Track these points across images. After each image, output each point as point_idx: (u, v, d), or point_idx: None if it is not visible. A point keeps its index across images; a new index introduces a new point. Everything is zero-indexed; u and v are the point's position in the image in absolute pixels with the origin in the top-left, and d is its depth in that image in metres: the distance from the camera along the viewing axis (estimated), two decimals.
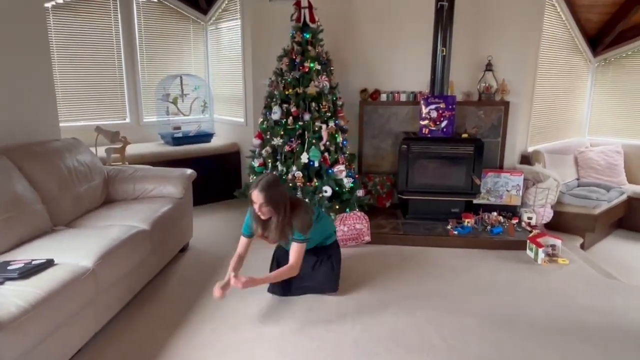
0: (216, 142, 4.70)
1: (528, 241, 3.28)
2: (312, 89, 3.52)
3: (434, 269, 3.07)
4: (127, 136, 3.93)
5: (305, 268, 2.61)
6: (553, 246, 3.24)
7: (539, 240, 3.20)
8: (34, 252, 2.16)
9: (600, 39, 4.87)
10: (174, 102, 4.52)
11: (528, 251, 3.29)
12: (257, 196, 2.34)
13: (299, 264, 2.50)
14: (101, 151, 3.75)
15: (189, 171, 3.34)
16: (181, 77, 4.55)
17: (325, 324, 2.37)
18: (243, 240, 2.63)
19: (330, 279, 2.68)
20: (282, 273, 2.48)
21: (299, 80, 3.57)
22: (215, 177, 4.53)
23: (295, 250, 2.48)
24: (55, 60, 4.03)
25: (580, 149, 4.86)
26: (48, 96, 3.14)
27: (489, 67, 4.04)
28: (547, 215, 3.92)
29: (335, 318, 2.43)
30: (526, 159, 4.31)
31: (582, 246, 3.89)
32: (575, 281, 2.91)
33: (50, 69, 3.16)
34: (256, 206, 2.36)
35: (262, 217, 2.42)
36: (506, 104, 4.06)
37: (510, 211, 3.92)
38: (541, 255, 3.12)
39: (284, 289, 2.66)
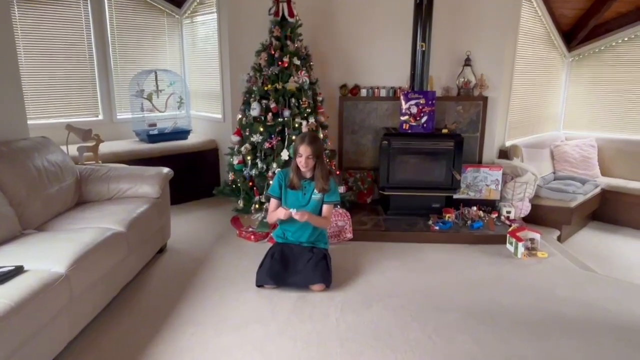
0: (193, 139, 4.59)
1: (508, 235, 3.32)
2: (291, 85, 3.46)
3: (416, 264, 3.08)
4: (100, 134, 3.79)
5: (300, 262, 2.72)
6: (532, 240, 3.28)
7: (519, 234, 3.24)
8: (1, 259, 2.04)
9: (574, 34, 4.96)
10: (149, 99, 4.39)
11: (508, 245, 3.32)
12: (305, 149, 2.67)
13: (330, 219, 2.99)
14: (73, 150, 3.60)
15: (166, 170, 3.24)
16: (156, 73, 4.42)
17: (310, 323, 2.34)
18: (275, 201, 2.87)
19: (326, 275, 2.69)
20: (321, 221, 2.82)
21: (278, 76, 3.51)
22: (192, 175, 4.43)
23: (328, 209, 2.84)
24: (22, 55, 3.85)
25: (555, 142, 4.95)
26: (14, 93, 2.99)
27: (467, 62, 4.06)
28: (526, 209, 3.98)
29: (319, 317, 2.39)
30: (504, 154, 4.36)
31: (559, 238, 3.96)
32: (554, 274, 2.95)
33: (16, 63, 3.01)
34: (302, 158, 2.68)
35: (304, 169, 2.72)
36: (485, 99, 4.09)
37: (489, 205, 3.96)
38: (521, 249, 3.15)
39: (278, 279, 2.65)
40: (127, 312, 2.46)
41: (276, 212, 2.78)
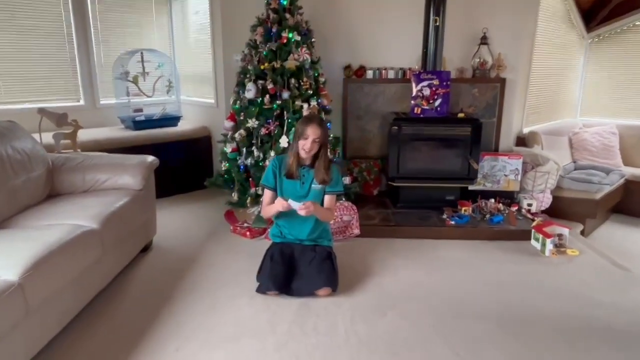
0: (184, 126, 4.22)
1: (533, 231, 2.98)
2: (291, 63, 3.09)
3: (432, 264, 2.74)
4: (81, 120, 3.42)
5: (302, 263, 2.40)
6: (560, 235, 2.95)
7: (546, 229, 2.91)
8: None
9: (595, 13, 4.58)
10: (134, 81, 4.01)
11: (533, 242, 2.99)
12: (314, 131, 2.33)
13: (335, 211, 2.68)
14: (48, 137, 3.24)
15: (150, 158, 2.87)
16: (142, 53, 4.03)
17: (314, 335, 2.00)
18: (269, 192, 2.50)
19: (332, 278, 2.36)
20: (326, 213, 2.49)
21: (276, 53, 3.13)
22: (183, 165, 4.07)
23: (331, 200, 2.51)
24: None
25: (574, 130, 4.61)
26: None
27: (484, 40, 3.70)
28: (547, 201, 3.64)
29: (325, 328, 2.05)
30: (522, 141, 4.02)
31: (582, 233, 3.63)
32: (589, 274, 2.62)
33: None
34: (308, 141, 2.34)
35: (306, 154, 2.39)
36: (502, 81, 3.74)
37: (507, 197, 3.62)
38: (549, 246, 2.82)
39: (281, 285, 2.31)
40: (101, 324, 2.11)
41: (272, 205, 2.42)
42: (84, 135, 3.60)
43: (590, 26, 4.69)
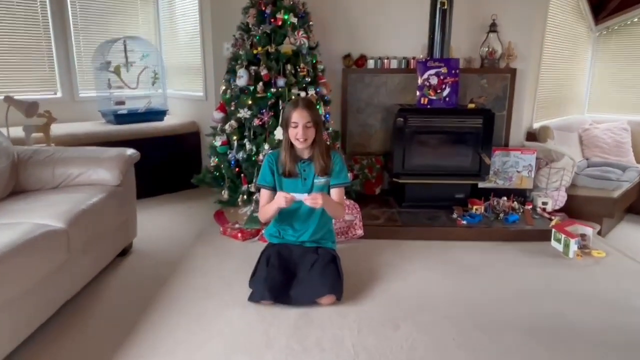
0: (170, 121, 3.91)
1: (554, 231, 2.71)
2: (286, 47, 2.82)
3: (446, 268, 2.46)
4: (57, 113, 3.12)
5: (302, 268, 2.11)
6: (583, 236, 2.68)
7: (568, 229, 2.64)
8: None
9: (605, 3, 4.37)
10: (116, 72, 3.70)
11: (554, 242, 2.72)
12: (301, 114, 2.05)
13: (344, 205, 2.41)
14: (19, 131, 2.94)
15: (130, 151, 2.57)
16: (125, 42, 3.73)
17: (318, 351, 1.70)
18: (267, 192, 2.21)
19: (336, 284, 2.06)
20: (337, 207, 2.20)
21: (270, 37, 2.85)
22: (169, 162, 3.76)
23: (339, 194, 2.21)
24: None
25: (583, 126, 4.37)
26: None
27: (492, 28, 3.45)
28: (561, 199, 3.38)
29: (330, 342, 1.76)
30: (532, 137, 3.76)
31: (599, 234, 3.38)
32: (620, 278, 2.36)
33: None
34: (299, 129, 2.05)
35: (301, 144, 2.09)
36: (513, 72, 3.48)
37: (520, 196, 3.36)
38: (573, 247, 2.55)
39: (277, 292, 2.00)
40: (68, 337, 1.79)
41: (272, 203, 2.11)
42: (59, 129, 3.30)
43: (599, 18, 4.48)
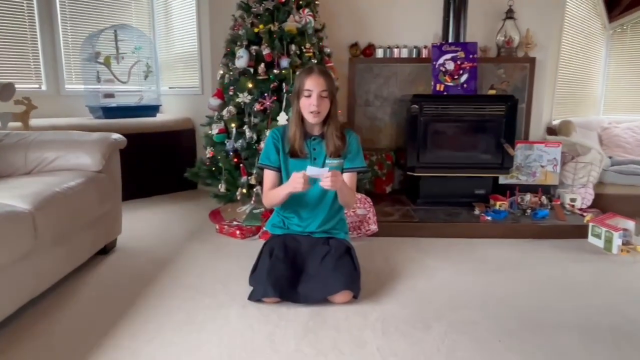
0: (164, 117, 3.64)
1: (592, 225, 2.42)
2: (291, 25, 2.57)
3: (475, 265, 2.14)
4: (40, 105, 2.87)
5: (312, 261, 1.78)
6: (625, 230, 2.39)
7: (609, 222, 2.35)
8: None
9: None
10: (106, 63, 3.43)
11: (592, 238, 2.42)
12: (318, 81, 1.77)
13: (355, 195, 2.09)
14: None
15: (115, 135, 2.27)
16: (116, 32, 3.48)
17: (336, 356, 1.38)
18: (272, 173, 1.89)
19: (352, 279, 1.73)
20: (349, 192, 1.84)
21: (273, 14, 2.60)
22: (162, 161, 3.47)
23: (352, 179, 1.90)
24: None
25: (602, 125, 4.13)
26: None
27: (509, 14, 3.23)
28: (589, 197, 3.09)
29: (350, 346, 1.43)
30: (552, 133, 3.50)
31: None
32: None
33: None
34: (313, 98, 1.77)
35: (314, 118, 1.80)
36: (532, 61, 3.25)
37: (544, 192, 3.07)
38: (617, 241, 2.25)
39: (283, 289, 1.68)
40: (31, 341, 1.46)
41: (282, 188, 1.79)
42: (40, 121, 3.01)
43: (612, 15, 4.29)
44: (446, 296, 1.80)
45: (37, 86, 3.46)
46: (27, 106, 2.76)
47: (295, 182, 1.68)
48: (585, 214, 2.73)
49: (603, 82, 4.46)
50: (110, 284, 1.91)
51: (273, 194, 1.85)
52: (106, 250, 2.25)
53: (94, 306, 1.72)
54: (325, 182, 1.66)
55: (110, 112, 3.38)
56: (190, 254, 2.26)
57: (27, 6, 3.32)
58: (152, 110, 3.62)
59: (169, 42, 3.87)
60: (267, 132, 2.50)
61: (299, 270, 1.78)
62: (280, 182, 1.88)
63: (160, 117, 3.62)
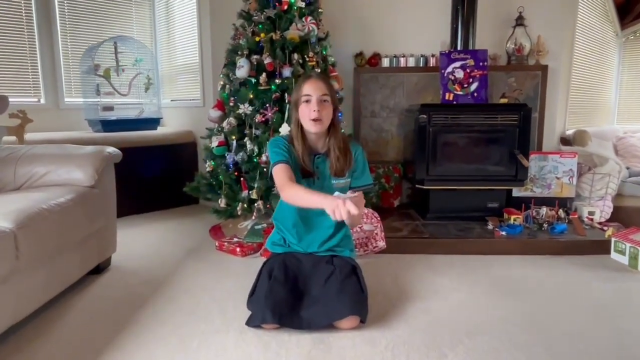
0: (164, 130, 3.55)
1: (614, 240, 2.26)
2: (293, 34, 2.47)
3: (494, 285, 1.99)
4: (36, 120, 2.78)
5: (315, 282, 1.65)
6: None
7: (633, 237, 2.19)
8: None
9: (631, 6, 4.09)
10: (106, 76, 3.36)
11: (615, 254, 2.26)
12: (316, 85, 1.65)
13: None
14: None
15: (110, 149, 2.17)
16: (116, 44, 3.41)
17: None
18: (284, 167, 1.63)
19: (359, 303, 1.59)
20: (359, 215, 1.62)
21: (275, 23, 2.51)
22: (161, 175, 3.37)
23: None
24: None
25: (617, 134, 3.99)
26: None
27: (519, 21, 3.12)
28: (607, 210, 2.93)
29: None
30: (566, 143, 3.37)
31: None
32: None
33: None
34: (313, 102, 1.64)
35: (316, 127, 1.64)
36: (544, 69, 3.13)
37: (561, 205, 2.92)
38: None
39: (283, 314, 1.53)
40: None
41: (323, 199, 1.42)
42: (37, 135, 2.94)
43: (625, 22, 4.19)
44: (462, 320, 1.65)
45: (36, 99, 3.40)
46: (22, 119, 2.68)
47: (336, 208, 1.34)
48: (605, 228, 2.58)
49: (616, 90, 4.33)
50: (99, 308, 1.79)
51: (301, 193, 1.53)
52: (99, 269, 2.13)
53: (80, 332, 1.59)
54: (354, 211, 1.32)
55: (109, 125, 3.30)
56: (187, 274, 2.13)
57: (27, 18, 3.27)
58: (152, 123, 3.53)
59: (170, 53, 3.80)
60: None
61: (300, 292, 1.64)
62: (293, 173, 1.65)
63: (161, 130, 3.53)
